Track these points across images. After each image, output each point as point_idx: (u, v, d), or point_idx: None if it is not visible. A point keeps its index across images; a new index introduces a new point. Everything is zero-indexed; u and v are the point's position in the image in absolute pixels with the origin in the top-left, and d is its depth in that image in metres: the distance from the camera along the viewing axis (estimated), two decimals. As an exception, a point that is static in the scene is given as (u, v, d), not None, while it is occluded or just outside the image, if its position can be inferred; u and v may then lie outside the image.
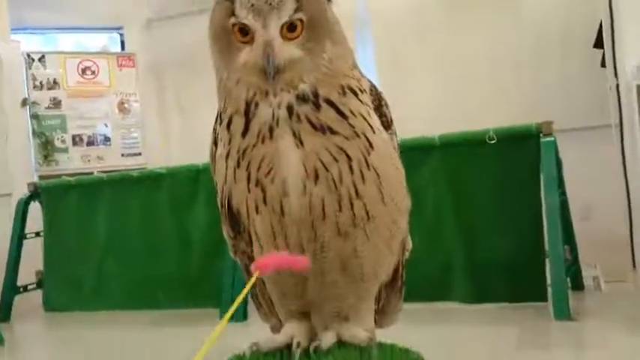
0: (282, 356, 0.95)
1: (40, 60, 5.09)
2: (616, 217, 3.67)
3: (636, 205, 2.98)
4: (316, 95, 0.87)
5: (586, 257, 3.56)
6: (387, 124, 0.97)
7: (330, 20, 0.89)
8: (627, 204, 3.40)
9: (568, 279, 3.10)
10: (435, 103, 4.26)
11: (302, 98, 0.87)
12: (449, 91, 4.38)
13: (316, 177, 0.87)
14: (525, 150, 3.18)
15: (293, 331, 1.00)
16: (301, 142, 0.87)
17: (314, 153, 0.87)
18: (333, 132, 0.88)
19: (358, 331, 1.01)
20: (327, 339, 0.99)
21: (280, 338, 0.99)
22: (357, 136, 0.89)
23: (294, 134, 0.87)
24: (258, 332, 1.03)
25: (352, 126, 0.89)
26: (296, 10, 0.85)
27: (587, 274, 3.58)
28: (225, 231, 1.03)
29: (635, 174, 2.83)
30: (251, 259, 1.02)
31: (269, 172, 0.89)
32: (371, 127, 0.91)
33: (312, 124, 0.87)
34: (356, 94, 0.91)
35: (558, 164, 3.22)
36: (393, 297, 1.13)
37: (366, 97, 0.93)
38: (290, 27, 0.86)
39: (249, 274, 1.05)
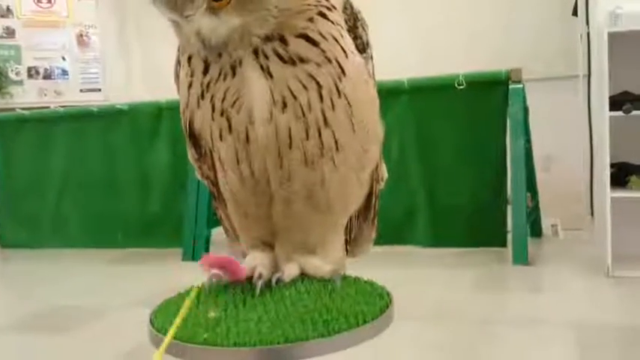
0: (242, 288, 0.91)
1: (-9, -14, 4.81)
2: (576, 166, 3.74)
3: (598, 155, 3.02)
4: (281, 36, 0.81)
5: (546, 205, 3.63)
6: (363, 47, 0.91)
7: None
8: (590, 153, 3.45)
9: (528, 225, 3.16)
10: (404, 47, 4.19)
11: (267, 38, 0.81)
12: (419, 35, 4.31)
13: (284, 105, 0.82)
14: (493, 96, 3.19)
15: (255, 261, 0.96)
16: (270, 75, 0.81)
17: (282, 81, 0.82)
18: (303, 61, 0.82)
19: (322, 264, 0.98)
20: (290, 271, 0.97)
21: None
22: (329, 61, 0.83)
23: (261, 68, 0.82)
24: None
25: (323, 51, 0.83)
26: None
27: (546, 222, 3.66)
28: (190, 154, 0.98)
29: (600, 124, 2.85)
30: (214, 184, 0.98)
31: (234, 103, 0.84)
32: (344, 50, 0.85)
33: (281, 58, 0.81)
34: (325, 16, 0.84)
35: (525, 112, 3.23)
36: (366, 227, 1.10)
37: (337, 16, 0.87)
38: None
39: (215, 200, 1.04)
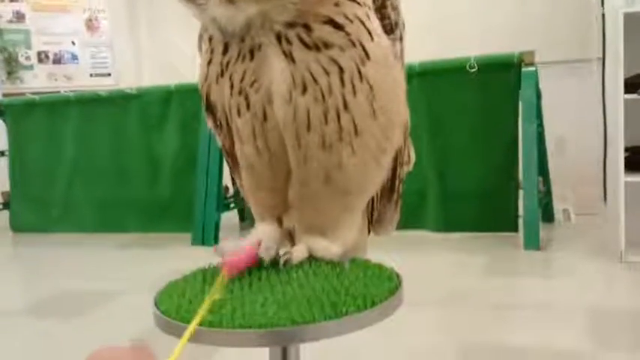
0: (249, 270, 0.90)
1: (0, -31, 4.80)
2: (589, 150, 3.69)
3: (612, 138, 2.97)
4: (305, 23, 0.79)
5: (558, 190, 3.59)
6: (391, 28, 0.88)
7: None
8: (604, 137, 3.40)
9: (540, 210, 3.12)
10: (415, 29, 4.14)
11: (290, 25, 0.79)
12: (430, 18, 4.25)
13: (304, 88, 0.81)
14: (506, 79, 3.14)
15: (261, 234, 0.94)
16: (292, 60, 0.80)
17: (304, 65, 0.80)
18: (327, 46, 0.80)
19: (330, 246, 0.97)
20: (298, 252, 0.95)
21: (245, 242, 0.94)
22: (353, 45, 0.81)
23: (284, 53, 0.80)
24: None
25: (348, 34, 0.81)
26: None
27: (558, 207, 3.63)
28: (208, 122, 0.98)
29: (614, 106, 2.80)
30: (229, 154, 0.97)
31: (253, 83, 0.83)
32: (369, 32, 0.83)
33: (305, 43, 0.79)
34: None
35: (538, 95, 3.19)
36: (389, 209, 1.10)
37: None
38: None
39: (231, 170, 1.02)
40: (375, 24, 0.84)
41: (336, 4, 0.81)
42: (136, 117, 3.95)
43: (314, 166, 0.87)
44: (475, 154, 3.19)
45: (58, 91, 4.64)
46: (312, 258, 0.95)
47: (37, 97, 4.25)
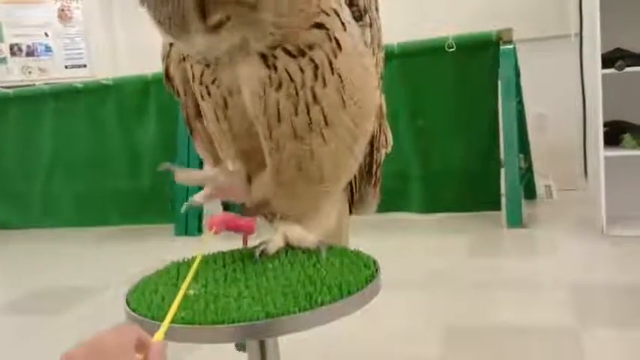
0: (224, 262, 0.88)
1: (-33, -40, 4.68)
2: (569, 126, 3.70)
3: (591, 113, 2.98)
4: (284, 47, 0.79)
5: (539, 166, 3.61)
6: (359, 15, 0.86)
7: None
8: (582, 113, 3.41)
9: (522, 187, 3.13)
10: (391, 9, 4.10)
11: (271, 47, 0.78)
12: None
13: (279, 85, 0.81)
14: (484, 58, 3.13)
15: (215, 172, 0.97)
16: (275, 68, 0.80)
17: (283, 68, 0.80)
18: (310, 48, 0.79)
19: (307, 234, 0.96)
20: (275, 243, 0.95)
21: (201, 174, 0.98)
22: (329, 39, 0.80)
23: (266, 65, 0.80)
24: (213, 247, 0.96)
25: (327, 29, 0.79)
26: (204, 17, 0.73)
27: (540, 183, 3.64)
28: (168, 89, 0.99)
29: (592, 82, 2.80)
30: (187, 121, 1.00)
31: (214, 81, 0.84)
32: (342, 23, 0.81)
33: (289, 52, 0.78)
34: None
35: (516, 72, 3.18)
36: (369, 191, 1.12)
37: None
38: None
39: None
40: (345, 12, 0.82)
41: (313, 26, 0.79)
42: (113, 108, 3.89)
43: (286, 155, 0.87)
44: (456, 134, 3.18)
45: (33, 84, 4.55)
46: (288, 246, 0.94)
47: (10, 91, 4.17)
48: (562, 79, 3.75)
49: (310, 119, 0.83)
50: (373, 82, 0.91)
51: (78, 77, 4.81)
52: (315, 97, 0.82)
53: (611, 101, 2.64)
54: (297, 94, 0.81)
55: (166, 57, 0.94)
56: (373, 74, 0.91)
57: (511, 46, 3.07)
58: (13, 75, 4.85)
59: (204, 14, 0.72)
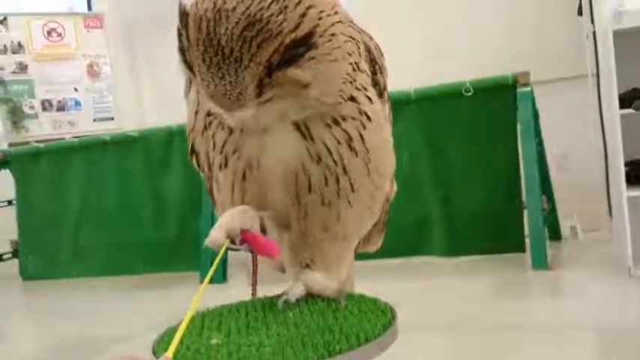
0: (247, 311, 0.91)
1: (2, 22, 4.91)
2: (592, 166, 3.69)
3: (611, 154, 2.98)
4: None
5: (564, 207, 3.58)
6: (380, 92, 0.92)
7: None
8: (604, 152, 3.40)
9: (546, 228, 3.12)
10: (408, 55, 4.19)
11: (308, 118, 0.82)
12: (423, 42, 4.31)
13: (319, 159, 0.84)
14: (502, 101, 3.16)
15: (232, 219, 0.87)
16: (311, 138, 0.82)
17: (320, 140, 0.83)
18: (344, 119, 0.84)
19: (328, 283, 0.98)
20: (295, 292, 0.96)
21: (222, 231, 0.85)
22: (360, 113, 0.85)
23: (301, 134, 0.82)
24: (237, 294, 1.00)
25: (359, 103, 0.85)
26: (260, 94, 0.74)
27: (564, 224, 3.61)
28: (193, 164, 1.02)
29: (611, 122, 2.81)
30: (211, 194, 1.01)
31: (234, 152, 0.86)
32: (369, 99, 0.87)
33: (324, 122, 0.82)
34: (359, 69, 0.85)
35: (535, 114, 3.21)
36: (374, 233, 1.14)
37: (365, 66, 0.87)
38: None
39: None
40: (371, 89, 0.88)
41: (346, 99, 0.82)
42: (139, 159, 3.99)
43: (313, 220, 0.91)
44: (477, 177, 3.20)
45: (63, 138, 4.70)
46: (308, 295, 0.96)
47: (42, 145, 4.32)
48: (581, 119, 3.76)
49: (339, 188, 0.88)
50: (391, 151, 0.97)
51: (106, 130, 4.97)
52: (344, 167, 0.86)
53: (631, 141, 2.64)
54: (335, 164, 0.85)
55: (191, 129, 0.95)
56: (391, 145, 0.97)
57: (528, 89, 3.11)
58: (45, 129, 5.02)
59: (260, 91, 0.75)
